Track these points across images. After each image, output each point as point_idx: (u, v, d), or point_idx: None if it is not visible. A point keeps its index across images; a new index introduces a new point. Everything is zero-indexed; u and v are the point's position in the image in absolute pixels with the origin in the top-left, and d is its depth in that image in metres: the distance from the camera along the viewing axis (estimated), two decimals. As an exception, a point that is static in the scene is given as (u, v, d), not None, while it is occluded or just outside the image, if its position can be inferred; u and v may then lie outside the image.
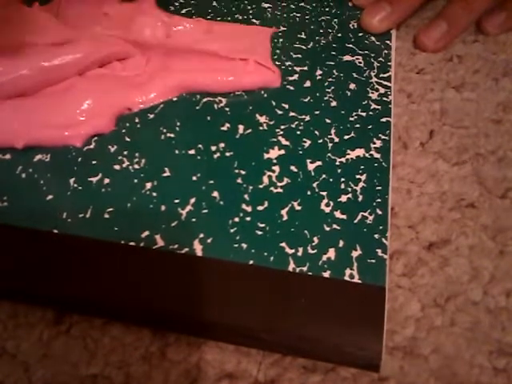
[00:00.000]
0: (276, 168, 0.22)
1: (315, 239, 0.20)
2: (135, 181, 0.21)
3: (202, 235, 0.20)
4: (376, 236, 0.20)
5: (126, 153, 0.22)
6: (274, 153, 0.22)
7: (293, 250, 0.19)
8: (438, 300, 0.20)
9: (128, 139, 0.23)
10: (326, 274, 0.19)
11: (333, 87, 0.25)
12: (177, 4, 0.29)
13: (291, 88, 0.25)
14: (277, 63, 0.26)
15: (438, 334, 0.19)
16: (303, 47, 0.27)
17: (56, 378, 0.18)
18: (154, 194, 0.21)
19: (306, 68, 0.26)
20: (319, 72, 0.26)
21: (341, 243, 0.20)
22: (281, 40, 0.28)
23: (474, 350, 0.19)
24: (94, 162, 0.22)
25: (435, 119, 0.26)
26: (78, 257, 0.19)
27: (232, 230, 0.20)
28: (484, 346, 0.19)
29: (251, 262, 0.19)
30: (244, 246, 0.19)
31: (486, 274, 0.21)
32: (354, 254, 0.19)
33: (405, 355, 0.19)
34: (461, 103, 0.26)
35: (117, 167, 0.22)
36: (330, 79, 0.26)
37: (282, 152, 0.22)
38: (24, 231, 0.20)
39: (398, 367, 0.19)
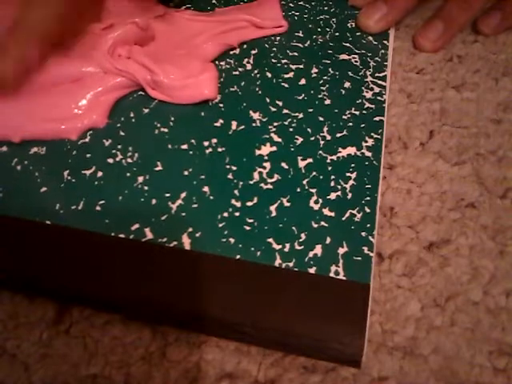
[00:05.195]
0: (267, 164, 0.22)
1: (302, 235, 0.20)
2: (128, 174, 0.22)
3: (190, 229, 0.20)
4: (363, 234, 0.20)
5: (119, 147, 0.23)
6: (265, 149, 0.23)
7: (280, 246, 0.20)
8: (438, 300, 0.20)
9: (122, 133, 0.23)
10: (312, 270, 0.19)
11: (327, 85, 0.25)
12: (177, 0, 0.29)
13: (286, 85, 0.25)
14: (273, 61, 0.26)
15: (438, 334, 0.19)
16: (300, 45, 0.27)
17: (56, 377, 0.18)
18: (146, 188, 0.21)
19: (301, 66, 0.26)
20: (315, 70, 0.26)
21: (328, 240, 0.20)
22: (278, 38, 0.28)
23: (474, 349, 0.19)
24: (88, 156, 0.22)
25: (435, 119, 0.26)
26: (68, 247, 0.20)
27: (220, 225, 0.20)
28: (484, 345, 0.19)
29: (238, 257, 0.19)
30: (232, 240, 0.20)
31: (486, 274, 0.21)
32: (341, 251, 0.19)
33: (405, 355, 0.19)
34: (461, 103, 0.26)
35: (110, 161, 0.22)
36: (325, 77, 0.26)
37: (274, 149, 0.23)
38: (17, 221, 0.20)
39: (398, 367, 0.19)
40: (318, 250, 0.19)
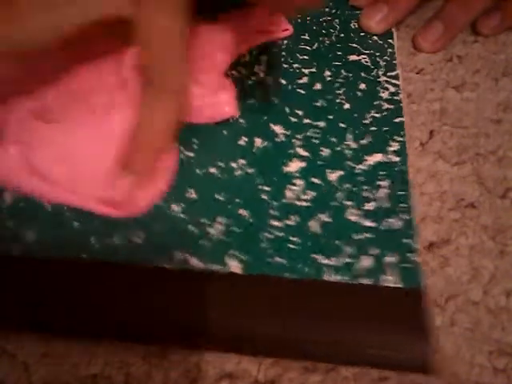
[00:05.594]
0: (298, 181, 0.22)
1: (347, 248, 0.20)
2: (160, 203, 0.21)
3: (234, 253, 0.20)
4: (406, 241, 0.20)
5: None
6: (293, 165, 0.22)
7: (327, 261, 0.19)
8: (438, 300, 0.20)
9: None
10: (363, 282, 0.19)
11: (343, 88, 0.25)
12: None
13: (302, 92, 0.25)
14: (284, 66, 0.26)
15: (437, 334, 0.19)
16: (308, 48, 0.27)
17: (56, 377, 0.18)
18: (182, 216, 0.21)
19: (314, 69, 0.26)
20: (328, 73, 0.26)
21: (372, 250, 0.20)
22: (285, 42, 0.27)
23: (474, 349, 0.19)
24: None
25: (435, 119, 0.26)
26: (111, 282, 0.19)
27: (264, 245, 0.20)
28: (484, 345, 0.19)
29: (287, 275, 0.19)
30: (278, 260, 0.20)
31: (486, 274, 0.21)
32: (388, 259, 0.19)
33: (405, 355, 0.19)
34: (461, 103, 0.26)
35: None
36: (340, 80, 0.26)
37: (302, 164, 0.22)
38: (54, 261, 0.20)
39: (398, 367, 0.19)
40: (365, 260, 0.20)
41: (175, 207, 0.21)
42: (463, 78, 0.28)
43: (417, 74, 0.28)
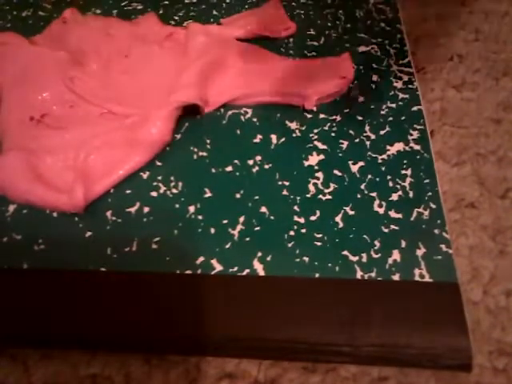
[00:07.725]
0: (319, 174, 0.21)
1: (376, 243, 0.19)
2: (176, 206, 0.21)
3: (260, 254, 0.19)
4: (436, 231, 0.20)
5: (160, 178, 0.21)
6: (313, 159, 0.22)
7: (357, 257, 0.19)
8: (438, 300, 0.20)
9: (159, 163, 0.22)
10: (396, 277, 0.18)
11: (356, 81, 0.25)
12: (176, 18, 0.28)
13: None
14: None
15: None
16: (315, 44, 0.27)
17: (56, 377, 0.18)
18: (200, 217, 0.20)
19: None
20: None
21: (403, 243, 0.19)
22: (291, 39, 0.27)
23: (474, 349, 0.19)
24: (128, 192, 0.21)
25: (435, 119, 0.26)
26: (134, 293, 0.18)
27: (290, 245, 0.19)
28: (484, 345, 0.19)
29: (317, 275, 0.19)
30: (306, 259, 0.19)
31: (486, 274, 0.21)
32: (419, 252, 0.19)
33: (405, 355, 0.19)
34: (461, 103, 0.26)
35: (154, 194, 0.21)
36: None
37: (322, 157, 0.22)
38: (68, 273, 0.19)
39: (398, 367, 0.19)
40: (396, 255, 0.19)
41: (191, 208, 0.20)
42: (463, 78, 0.28)
43: (417, 73, 0.28)
